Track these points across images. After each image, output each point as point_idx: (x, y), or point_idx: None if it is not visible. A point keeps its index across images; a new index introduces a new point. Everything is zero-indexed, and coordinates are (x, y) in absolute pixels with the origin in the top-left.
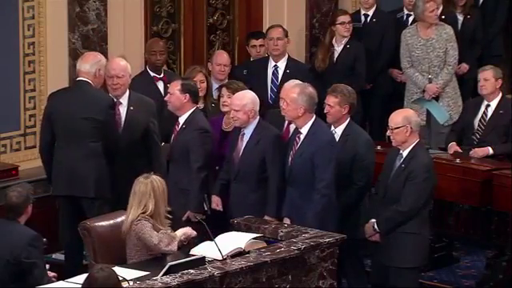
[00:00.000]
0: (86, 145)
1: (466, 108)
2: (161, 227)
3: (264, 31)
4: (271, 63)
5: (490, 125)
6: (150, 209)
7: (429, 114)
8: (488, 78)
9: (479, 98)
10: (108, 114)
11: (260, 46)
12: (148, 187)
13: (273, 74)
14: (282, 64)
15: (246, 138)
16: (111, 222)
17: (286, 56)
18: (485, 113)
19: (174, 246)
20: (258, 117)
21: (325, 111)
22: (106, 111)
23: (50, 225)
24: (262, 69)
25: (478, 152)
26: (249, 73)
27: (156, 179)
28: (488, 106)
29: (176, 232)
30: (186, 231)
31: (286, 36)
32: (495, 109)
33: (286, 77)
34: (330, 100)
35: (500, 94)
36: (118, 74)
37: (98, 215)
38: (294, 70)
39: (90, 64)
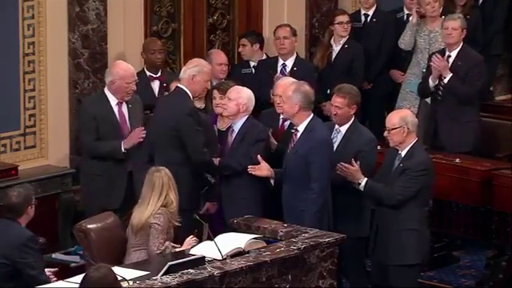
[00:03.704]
0: (165, 153)
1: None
2: (175, 223)
3: (264, 31)
4: (279, 62)
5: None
6: (172, 200)
7: (419, 110)
8: (456, 28)
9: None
10: (185, 122)
11: (242, 45)
12: (165, 179)
13: (281, 72)
14: (289, 62)
15: (234, 134)
16: (103, 223)
17: (295, 55)
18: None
19: None
20: (249, 115)
21: (333, 113)
22: (184, 119)
23: (49, 225)
24: (271, 68)
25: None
26: (257, 71)
27: (166, 169)
28: (449, 56)
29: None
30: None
31: (295, 35)
32: (454, 59)
33: (294, 75)
34: (338, 101)
35: (461, 44)
36: (136, 78)
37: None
38: (300, 68)
39: (184, 70)
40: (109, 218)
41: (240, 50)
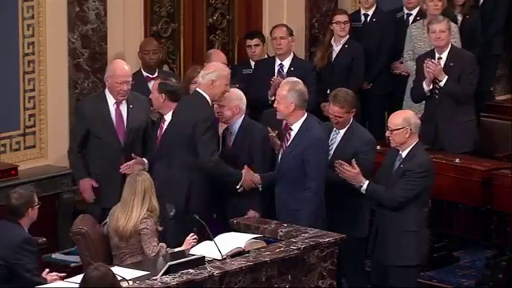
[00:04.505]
0: (180, 156)
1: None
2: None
3: (263, 31)
4: (277, 62)
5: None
6: (155, 206)
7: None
8: (444, 30)
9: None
10: (199, 127)
11: (255, 45)
12: (146, 183)
13: (278, 72)
14: (286, 62)
15: (233, 136)
16: (89, 225)
17: (292, 55)
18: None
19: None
20: (244, 114)
21: (333, 121)
22: (198, 125)
23: (49, 225)
24: (269, 68)
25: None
26: (255, 71)
27: (148, 174)
28: (440, 58)
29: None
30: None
31: (291, 35)
32: (446, 61)
33: (291, 75)
34: (337, 111)
35: (450, 45)
36: (128, 79)
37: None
38: (298, 68)
39: (203, 74)
40: (89, 220)
41: (253, 50)
